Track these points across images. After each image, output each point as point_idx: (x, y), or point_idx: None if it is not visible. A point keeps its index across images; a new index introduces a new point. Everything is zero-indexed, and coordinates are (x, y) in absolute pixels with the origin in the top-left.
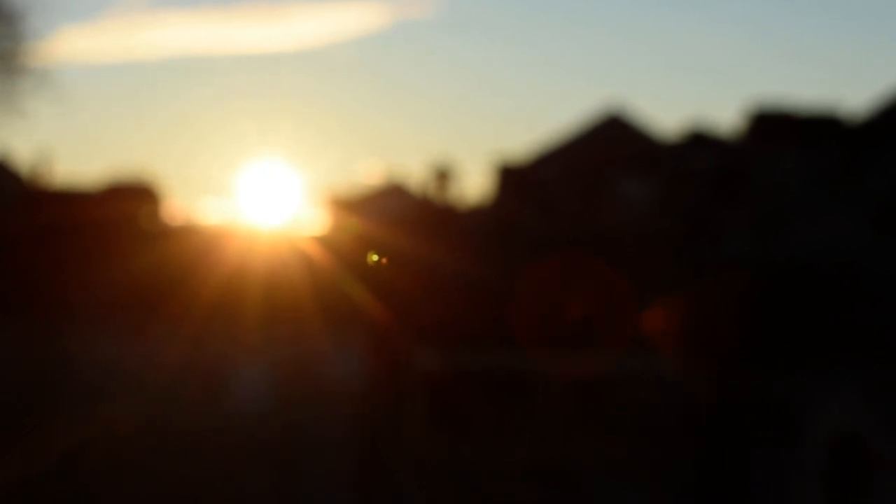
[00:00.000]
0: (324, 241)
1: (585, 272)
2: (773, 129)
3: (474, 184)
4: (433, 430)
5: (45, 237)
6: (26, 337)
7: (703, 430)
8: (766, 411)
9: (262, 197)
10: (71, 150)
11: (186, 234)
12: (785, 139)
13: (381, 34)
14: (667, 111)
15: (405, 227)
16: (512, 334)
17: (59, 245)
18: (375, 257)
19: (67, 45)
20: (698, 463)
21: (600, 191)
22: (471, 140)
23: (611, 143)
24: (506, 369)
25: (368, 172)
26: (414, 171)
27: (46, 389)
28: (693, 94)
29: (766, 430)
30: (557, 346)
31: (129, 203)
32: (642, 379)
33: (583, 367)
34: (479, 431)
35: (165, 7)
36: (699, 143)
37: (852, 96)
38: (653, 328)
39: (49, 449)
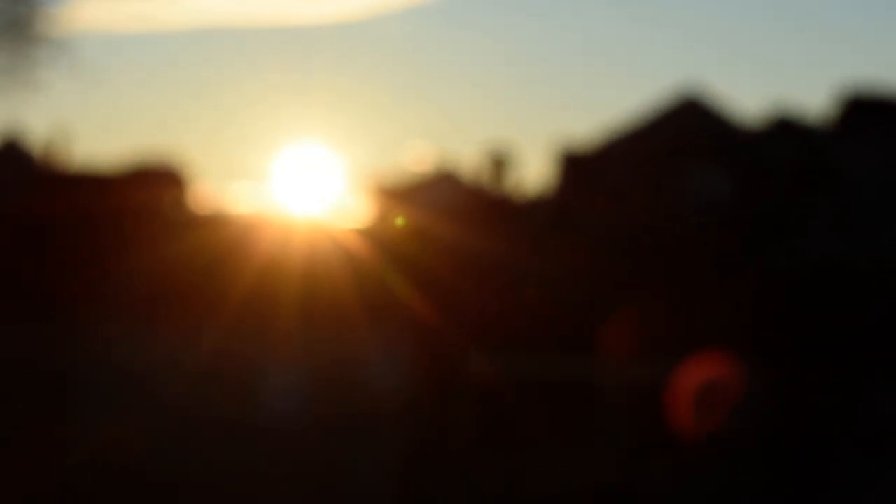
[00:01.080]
0: (367, 234)
1: (654, 270)
2: (867, 116)
3: (533, 172)
4: (485, 446)
5: (59, 226)
6: (35, 337)
7: (787, 444)
8: (853, 422)
9: (300, 183)
10: (90, 129)
11: (215, 224)
12: (879, 128)
13: (431, 4)
14: (748, 95)
15: (457, 218)
16: (572, 338)
17: (76, 235)
18: (422, 249)
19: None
20: (780, 483)
21: (673, 182)
22: (530, 124)
23: (685, 129)
24: (566, 377)
25: (417, 158)
26: (467, 157)
27: (57, 396)
28: (777, 76)
29: (855, 444)
30: (623, 351)
31: (152, 189)
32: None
33: (650, 374)
34: (536, 447)
35: None
36: (783, 132)
37: None
38: (726, 333)
39: (57, 462)
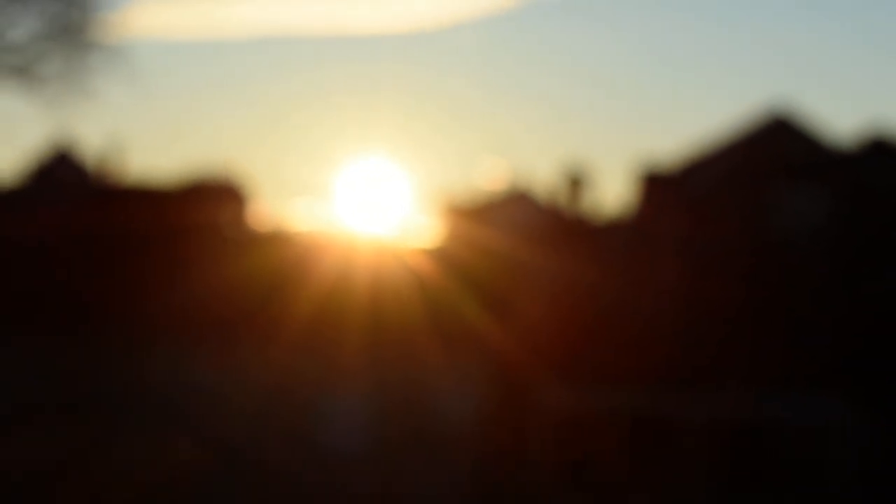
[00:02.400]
0: (437, 254)
1: (746, 296)
2: None
3: (612, 193)
4: (562, 483)
5: (112, 242)
6: (88, 357)
7: (889, 477)
8: None
9: (365, 200)
10: (145, 140)
11: (276, 243)
12: None
13: (507, 16)
14: (842, 114)
15: (532, 239)
16: (656, 368)
17: (129, 252)
18: (494, 271)
19: (143, 17)
20: None
21: (763, 204)
22: (609, 142)
23: (776, 149)
24: (648, 410)
25: (490, 176)
26: (542, 175)
27: (110, 418)
28: (874, 94)
29: None
30: (707, 384)
31: (210, 205)
32: (807, 424)
33: (737, 408)
34: (616, 485)
35: None
36: (880, 152)
37: None
38: (817, 365)
39: (115, 489)
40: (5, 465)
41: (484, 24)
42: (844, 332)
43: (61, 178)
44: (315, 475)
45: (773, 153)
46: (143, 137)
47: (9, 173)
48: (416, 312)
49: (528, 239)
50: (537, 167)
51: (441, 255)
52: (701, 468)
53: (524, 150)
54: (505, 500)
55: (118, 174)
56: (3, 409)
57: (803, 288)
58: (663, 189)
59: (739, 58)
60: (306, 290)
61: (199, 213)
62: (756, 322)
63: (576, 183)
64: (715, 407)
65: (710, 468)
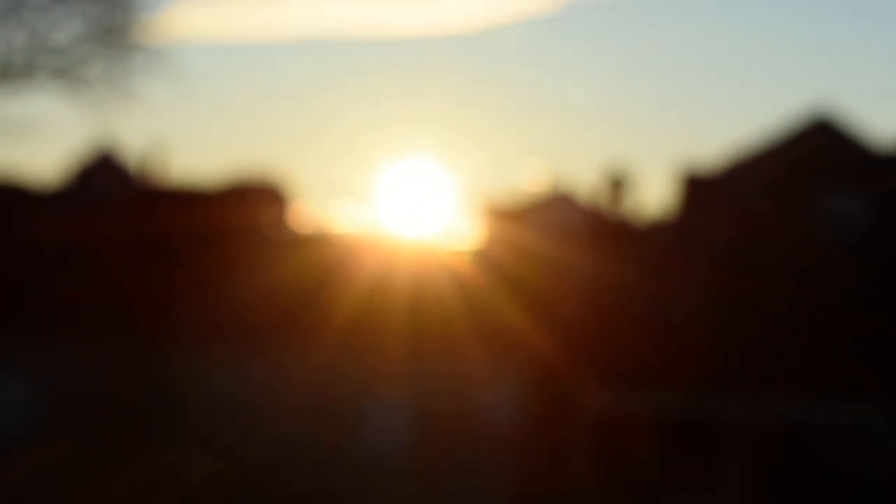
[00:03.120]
0: (479, 257)
1: (785, 300)
2: None
3: (655, 195)
4: (603, 485)
5: (153, 244)
6: (131, 360)
7: None
8: None
9: (407, 202)
10: (187, 142)
11: (317, 245)
12: None
13: (548, 17)
14: (886, 117)
15: (574, 242)
16: (699, 371)
17: (171, 254)
18: (536, 274)
19: (185, 19)
20: None
21: (805, 207)
22: (651, 144)
23: (818, 152)
24: (691, 414)
25: (531, 178)
26: (584, 178)
27: (155, 421)
28: None
29: None
30: (748, 387)
31: (252, 207)
32: (846, 428)
33: (777, 412)
34: (659, 490)
35: None
36: None
37: None
38: (857, 370)
39: (162, 488)
40: (33, 473)
41: (526, 26)
42: (885, 337)
43: (104, 180)
44: (356, 477)
45: (816, 155)
46: (186, 139)
47: (52, 175)
48: (458, 315)
49: (569, 241)
50: (579, 169)
51: (482, 258)
52: (740, 471)
53: (566, 152)
54: (546, 502)
55: (160, 176)
56: (41, 413)
57: (845, 291)
58: (705, 191)
59: (782, 60)
60: (348, 292)
61: (241, 215)
62: (797, 326)
63: (617, 185)
64: (755, 410)
65: (750, 471)
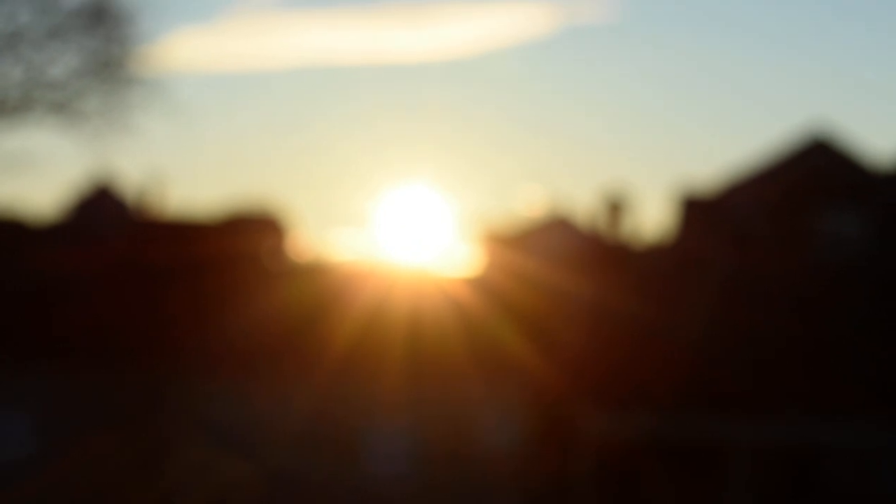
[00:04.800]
0: (477, 283)
1: (786, 321)
2: None
3: (652, 217)
4: None
5: (152, 276)
6: (130, 391)
7: None
8: None
9: (405, 229)
10: (185, 173)
11: (316, 274)
12: None
13: (543, 41)
14: (882, 136)
15: (572, 266)
16: (701, 394)
17: (169, 286)
18: (535, 299)
19: (182, 50)
20: None
21: (803, 227)
22: (648, 166)
23: (816, 171)
24: (693, 436)
25: (529, 203)
26: (581, 201)
27: (150, 455)
28: None
29: None
30: (750, 409)
31: (250, 237)
32: (853, 449)
33: (781, 434)
34: None
35: (294, 7)
36: None
37: None
38: (861, 389)
39: None
40: (35, 499)
41: (522, 51)
42: (889, 355)
43: (102, 213)
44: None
45: (813, 175)
46: (184, 170)
47: (50, 209)
48: (457, 341)
49: (568, 265)
50: (577, 193)
51: (481, 284)
52: (744, 494)
53: (563, 177)
54: None
55: (158, 208)
56: (41, 442)
57: (845, 310)
58: (703, 213)
59: (778, 81)
60: (347, 319)
61: (240, 245)
62: (798, 347)
63: (615, 208)
64: (757, 432)
65: (754, 494)
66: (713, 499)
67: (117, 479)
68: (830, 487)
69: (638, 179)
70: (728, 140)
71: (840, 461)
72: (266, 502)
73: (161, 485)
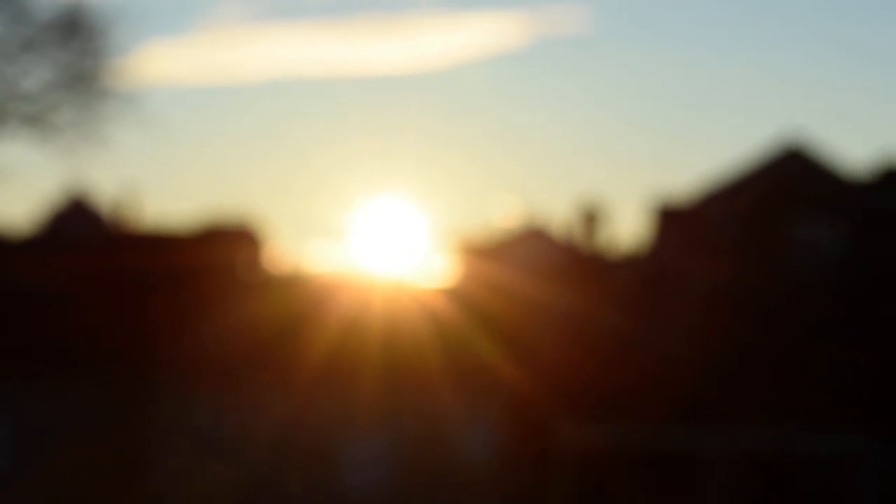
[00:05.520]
0: (453, 294)
1: (762, 331)
2: None
3: (628, 228)
4: None
5: (128, 288)
6: (106, 402)
7: None
8: None
9: (380, 241)
10: (160, 185)
11: (292, 285)
12: None
13: (518, 53)
14: (856, 145)
15: (548, 276)
16: (677, 404)
17: (146, 297)
18: (511, 310)
19: (155, 63)
20: None
21: (778, 236)
22: (623, 177)
23: (790, 181)
24: (670, 447)
25: (505, 214)
26: (557, 212)
27: (129, 464)
28: (888, 123)
29: None
30: (726, 420)
31: (226, 248)
32: (830, 458)
33: (757, 443)
34: None
35: (268, 19)
36: (893, 181)
37: None
38: (837, 398)
39: None
40: (41, 495)
41: (496, 63)
42: (864, 364)
43: (76, 225)
44: None
45: (788, 184)
46: (159, 182)
47: (24, 222)
48: (433, 351)
49: (544, 276)
50: (552, 204)
51: (457, 295)
52: (720, 503)
53: (539, 188)
54: None
55: (133, 220)
56: (22, 451)
57: (820, 320)
58: (678, 223)
59: (751, 91)
60: (323, 331)
61: (215, 256)
62: (773, 356)
63: (591, 219)
64: (734, 443)
65: (729, 503)
66: None
67: (97, 488)
68: (805, 496)
69: (613, 190)
70: (703, 150)
71: (815, 470)
72: None
73: (142, 492)
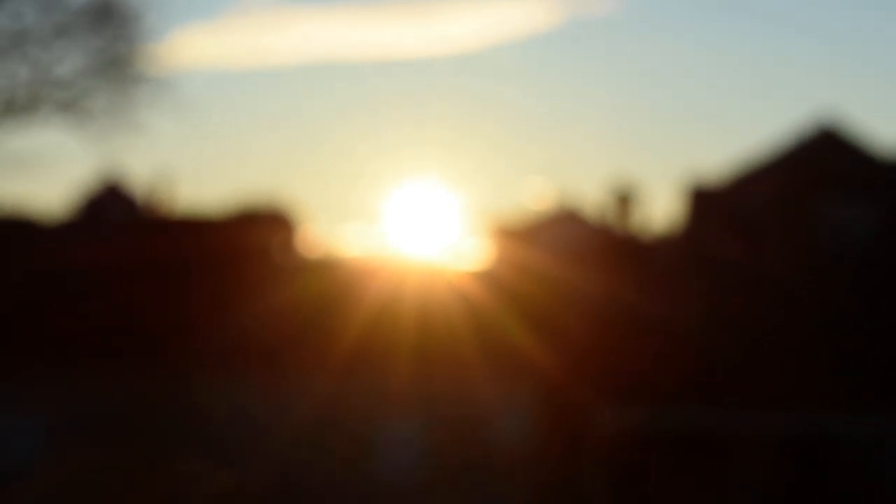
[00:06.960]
0: (486, 277)
1: (796, 313)
2: None
3: (661, 209)
4: (617, 503)
5: (163, 272)
6: (142, 387)
7: None
8: None
9: (414, 224)
10: (194, 170)
11: (326, 269)
12: None
13: (549, 35)
14: (890, 125)
15: (581, 259)
16: (710, 386)
17: (180, 282)
18: (544, 293)
19: (188, 48)
20: None
21: (811, 217)
22: (657, 158)
23: (824, 162)
24: (704, 430)
25: (537, 196)
26: (590, 194)
27: (165, 447)
28: None
29: None
30: (764, 402)
31: (260, 233)
32: (862, 441)
33: (790, 426)
34: (671, 503)
35: (300, 3)
36: None
37: None
38: (869, 381)
39: None
40: (49, 491)
41: (528, 44)
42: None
43: (110, 211)
44: (367, 500)
45: (821, 166)
46: (192, 167)
47: (58, 208)
48: (467, 335)
49: (577, 258)
50: (585, 186)
51: (490, 278)
52: (755, 486)
53: (571, 169)
54: None
55: (167, 205)
56: (54, 438)
57: (852, 301)
58: (711, 204)
59: (785, 70)
60: (357, 315)
61: (249, 241)
62: (806, 337)
63: (624, 201)
64: (765, 424)
65: (763, 486)
66: (721, 489)
67: (117, 485)
68: (837, 478)
69: (646, 171)
70: (736, 131)
71: (847, 453)
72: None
73: (161, 491)
